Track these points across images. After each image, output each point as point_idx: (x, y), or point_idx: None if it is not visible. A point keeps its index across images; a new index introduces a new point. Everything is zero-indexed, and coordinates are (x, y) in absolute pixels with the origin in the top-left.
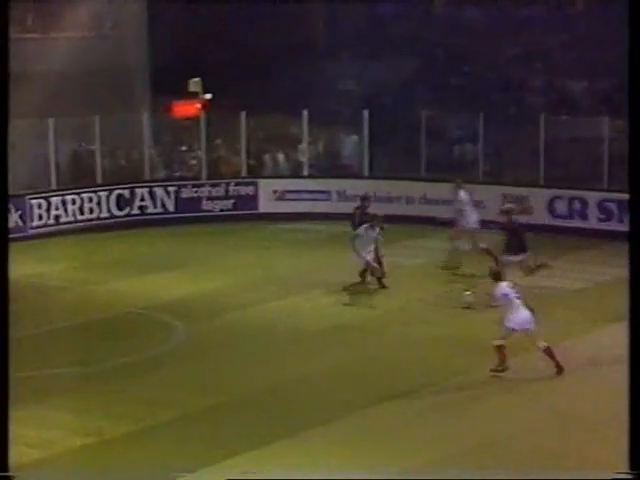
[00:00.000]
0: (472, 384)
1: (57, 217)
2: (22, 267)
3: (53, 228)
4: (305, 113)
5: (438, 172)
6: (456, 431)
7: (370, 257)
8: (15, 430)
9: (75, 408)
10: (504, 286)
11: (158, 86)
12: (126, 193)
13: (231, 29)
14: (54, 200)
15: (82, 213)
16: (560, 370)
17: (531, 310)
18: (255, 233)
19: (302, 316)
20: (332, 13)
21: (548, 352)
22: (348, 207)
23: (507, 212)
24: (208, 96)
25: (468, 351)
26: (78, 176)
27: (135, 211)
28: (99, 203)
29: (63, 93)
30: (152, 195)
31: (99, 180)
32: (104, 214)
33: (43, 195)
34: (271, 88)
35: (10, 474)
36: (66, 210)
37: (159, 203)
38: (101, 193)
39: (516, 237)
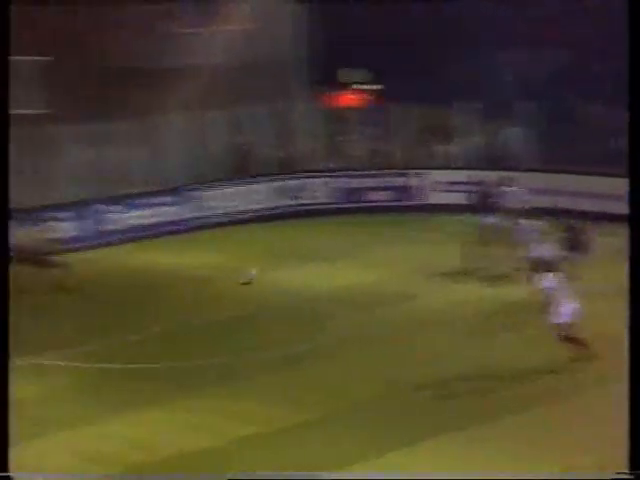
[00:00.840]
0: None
1: (215, 208)
2: (183, 259)
3: (211, 220)
4: (465, 104)
5: (597, 165)
6: None
7: (537, 254)
8: (190, 419)
9: (251, 397)
10: (550, 277)
11: (315, 77)
12: (286, 184)
13: (388, 20)
14: (212, 192)
15: (242, 204)
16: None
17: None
18: (418, 225)
19: (460, 309)
20: (491, 5)
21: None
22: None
23: None
24: (369, 87)
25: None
26: (236, 168)
27: (296, 202)
28: (259, 194)
29: (222, 86)
30: (313, 186)
31: (258, 171)
32: (264, 205)
33: (201, 187)
34: (430, 79)
35: (10, 474)
36: (225, 201)
37: (320, 194)
38: (261, 184)
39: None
